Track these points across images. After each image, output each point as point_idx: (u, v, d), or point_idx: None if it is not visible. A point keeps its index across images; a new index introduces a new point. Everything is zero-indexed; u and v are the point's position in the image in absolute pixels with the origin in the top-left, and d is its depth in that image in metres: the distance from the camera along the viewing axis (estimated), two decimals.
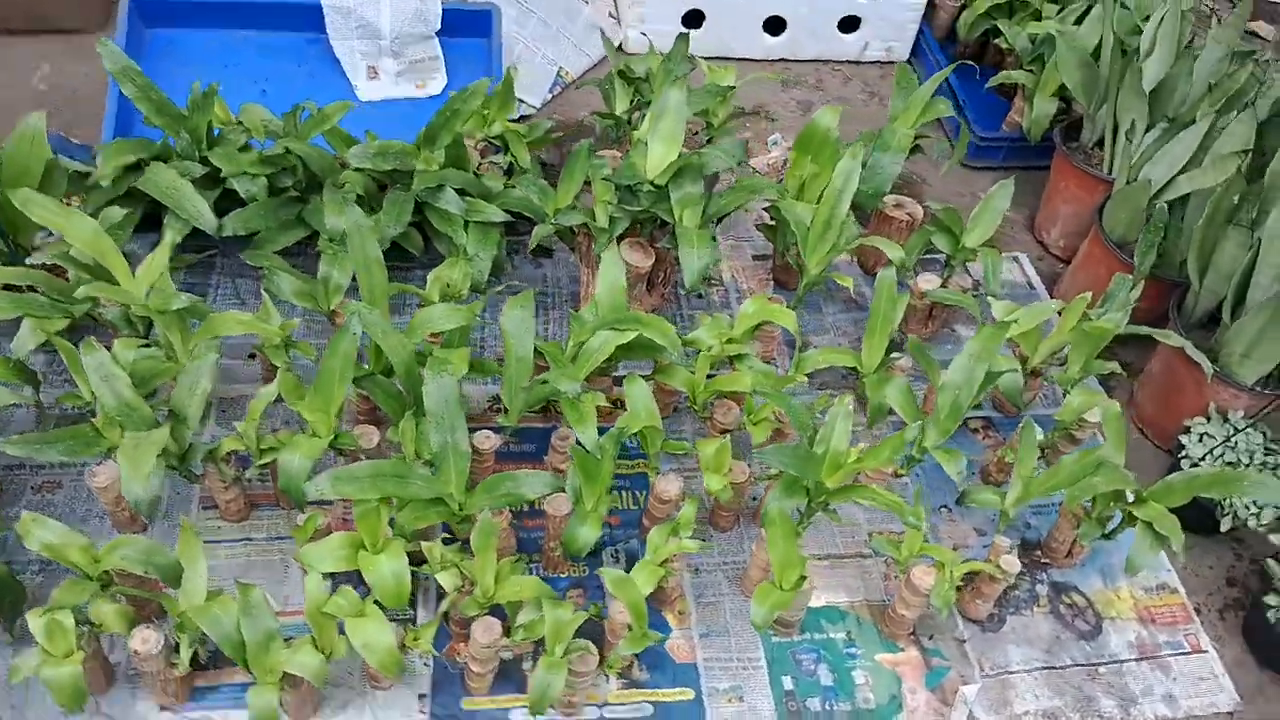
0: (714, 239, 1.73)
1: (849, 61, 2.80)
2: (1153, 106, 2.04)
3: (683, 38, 2.01)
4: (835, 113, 1.88)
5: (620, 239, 1.83)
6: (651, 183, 1.73)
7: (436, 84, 2.31)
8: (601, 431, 1.51)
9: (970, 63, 2.61)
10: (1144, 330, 1.72)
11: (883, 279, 1.69)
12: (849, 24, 2.74)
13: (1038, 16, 2.46)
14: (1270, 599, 1.59)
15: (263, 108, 1.94)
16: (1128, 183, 1.92)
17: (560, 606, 1.36)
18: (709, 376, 1.69)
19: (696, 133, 2.02)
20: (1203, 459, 1.71)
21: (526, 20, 2.56)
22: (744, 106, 2.60)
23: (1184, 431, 1.77)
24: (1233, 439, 1.72)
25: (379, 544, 1.39)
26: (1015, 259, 2.30)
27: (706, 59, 2.72)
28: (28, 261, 1.67)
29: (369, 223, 1.54)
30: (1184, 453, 1.74)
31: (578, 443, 1.49)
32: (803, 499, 1.48)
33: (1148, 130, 2.02)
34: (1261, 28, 3.30)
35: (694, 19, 2.68)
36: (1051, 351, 1.77)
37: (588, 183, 1.82)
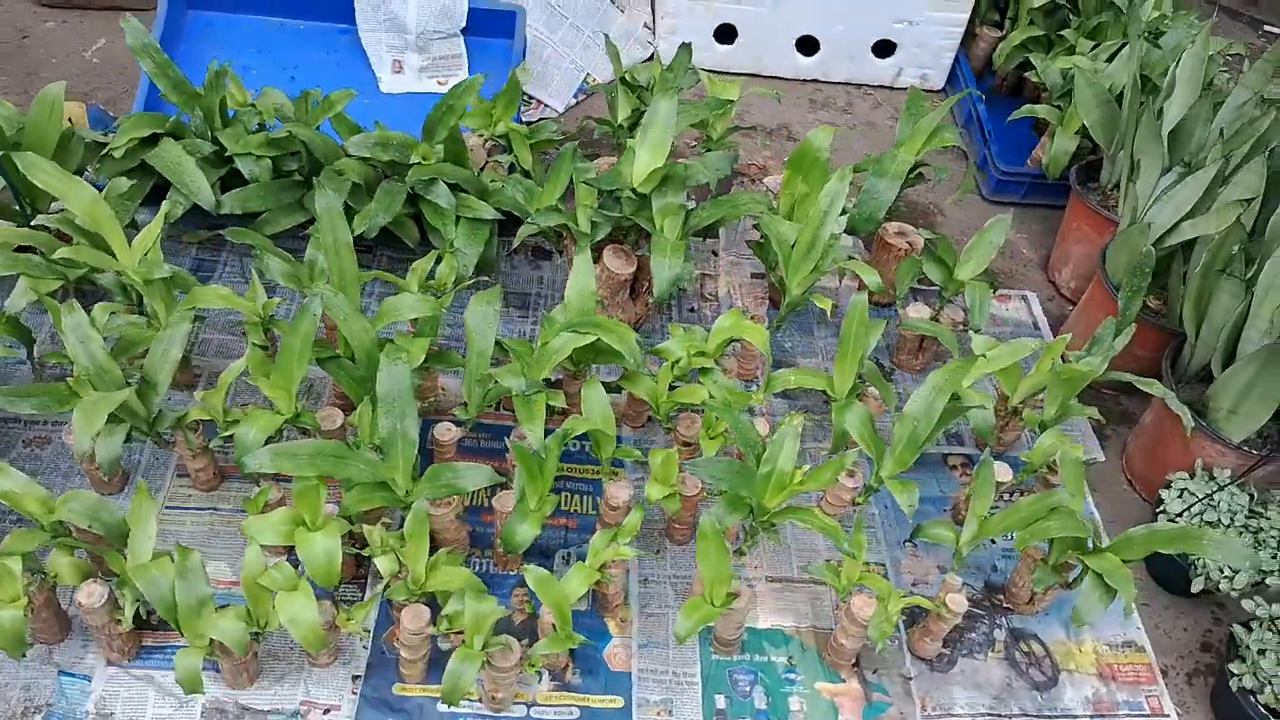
0: (689, 251, 1.72)
1: (881, 86, 2.77)
2: (1171, 150, 1.97)
3: (684, 48, 2.01)
4: (828, 133, 1.86)
5: (605, 245, 1.84)
6: (635, 190, 1.74)
7: (458, 81, 2.34)
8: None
9: (977, 93, 2.56)
10: (1126, 377, 1.67)
11: (854, 304, 1.67)
12: (884, 48, 2.71)
13: (1072, 51, 2.40)
14: (1235, 666, 1.53)
15: (280, 92, 2.00)
16: (1131, 224, 1.87)
17: (484, 600, 1.37)
18: (672, 387, 1.69)
19: (695, 145, 2.02)
20: (1180, 515, 1.65)
21: (558, 25, 2.59)
22: (753, 124, 2.59)
23: (1166, 486, 1.70)
24: (1215, 497, 1.65)
25: (318, 522, 1.41)
26: (1024, 298, 2.25)
27: (737, 75, 2.74)
28: (32, 224, 1.75)
29: (339, 207, 1.57)
30: (1162, 507, 1.68)
31: (523, 440, 1.50)
32: (743, 516, 1.47)
33: (1165, 174, 1.96)
34: None
35: (726, 34, 2.69)
36: (1032, 391, 1.72)
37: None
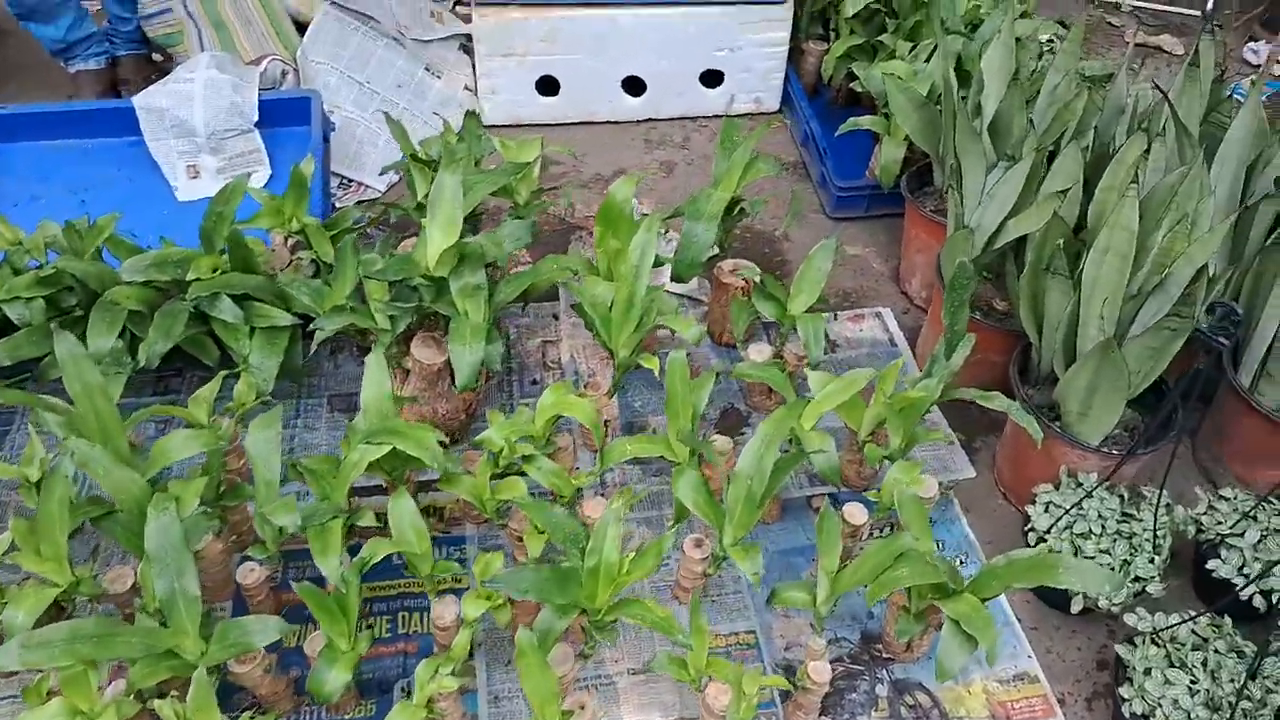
0: (495, 331, 1.60)
1: (717, 116, 2.70)
2: (996, 146, 1.90)
3: (471, 115, 1.90)
4: (631, 183, 1.76)
5: (414, 334, 1.72)
6: (429, 275, 1.61)
7: (260, 177, 2.22)
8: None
9: (792, 118, 2.49)
10: (969, 394, 1.57)
11: (671, 362, 1.56)
12: (712, 78, 2.64)
13: (893, 55, 2.34)
14: (1124, 690, 1.42)
15: (54, 224, 1.85)
16: (956, 229, 1.78)
17: None
18: (502, 476, 1.56)
19: (503, 215, 1.91)
20: (1049, 532, 1.55)
21: (368, 102, 2.48)
22: (593, 173, 2.49)
23: (1031, 501, 1.61)
24: (1083, 505, 1.56)
25: (95, 710, 1.25)
26: (878, 314, 2.16)
27: (566, 125, 2.65)
28: None
29: (81, 351, 1.42)
30: (1029, 526, 1.58)
31: (313, 579, 1.36)
32: (570, 619, 1.34)
33: (991, 170, 1.89)
34: (1166, 42, 3.17)
35: (550, 85, 2.59)
36: (878, 422, 1.62)
37: None
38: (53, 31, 2.49)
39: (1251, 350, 1.70)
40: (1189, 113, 1.68)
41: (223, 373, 1.66)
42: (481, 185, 1.76)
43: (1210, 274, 1.49)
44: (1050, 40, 2.81)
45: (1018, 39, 2.08)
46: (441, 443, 1.46)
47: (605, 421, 1.84)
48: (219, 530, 1.56)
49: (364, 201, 2.37)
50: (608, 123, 2.66)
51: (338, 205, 2.31)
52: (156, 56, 2.64)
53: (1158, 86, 1.61)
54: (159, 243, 1.81)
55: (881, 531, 1.74)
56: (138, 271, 1.71)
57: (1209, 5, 3.30)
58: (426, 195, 1.89)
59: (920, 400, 1.52)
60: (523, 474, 1.56)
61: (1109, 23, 3.23)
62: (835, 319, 2.13)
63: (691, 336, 1.66)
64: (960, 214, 1.81)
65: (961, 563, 1.72)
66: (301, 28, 2.50)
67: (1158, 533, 1.54)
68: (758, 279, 1.81)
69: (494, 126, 2.63)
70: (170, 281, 1.75)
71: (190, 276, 1.72)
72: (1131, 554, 1.52)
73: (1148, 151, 1.54)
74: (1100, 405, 1.52)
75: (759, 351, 1.83)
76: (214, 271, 1.76)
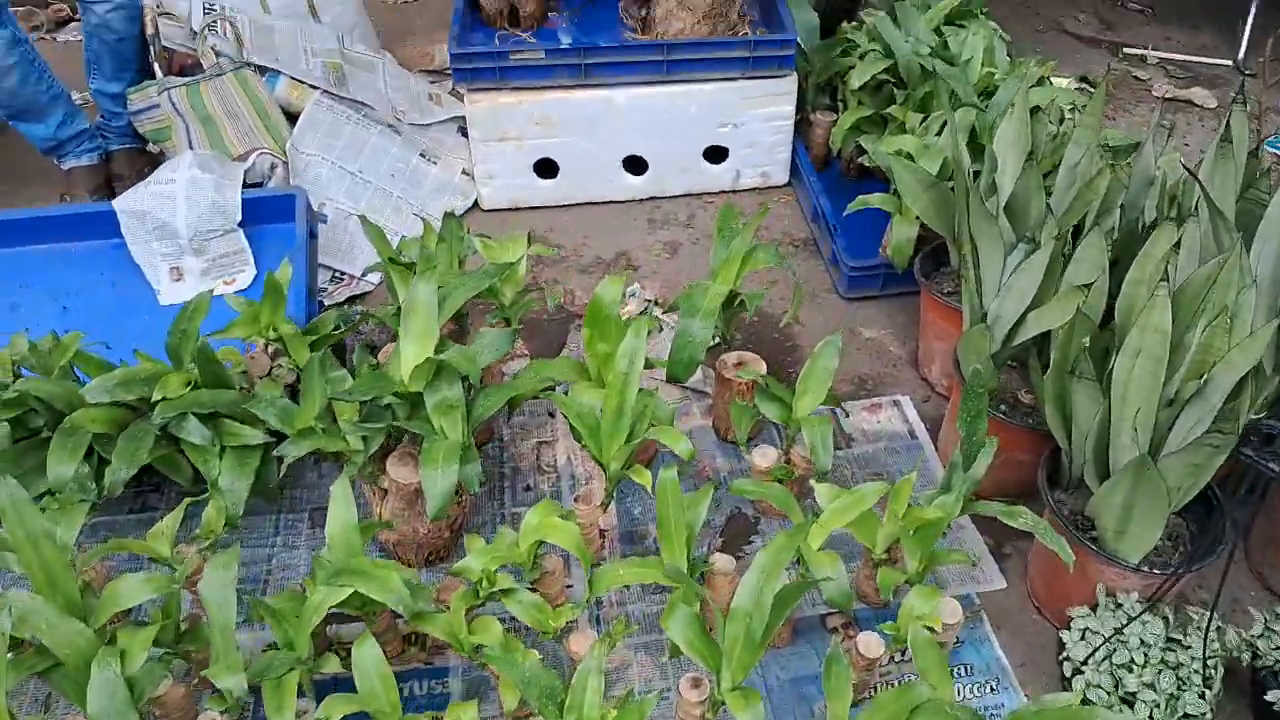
0: (471, 450, 1.49)
1: (723, 192, 2.59)
2: (1015, 226, 1.78)
3: (449, 218, 1.81)
4: (619, 282, 1.65)
5: (389, 452, 1.61)
6: (402, 392, 1.51)
7: (245, 277, 2.14)
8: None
9: (788, 198, 2.38)
10: (992, 509, 1.42)
11: (662, 483, 1.43)
12: (717, 154, 2.54)
13: (903, 128, 2.22)
14: None
15: (24, 339, 1.78)
16: (973, 322, 1.65)
17: None
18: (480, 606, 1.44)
19: (492, 316, 1.80)
20: (1085, 663, 1.39)
21: (361, 193, 2.41)
22: (594, 257, 2.39)
23: (1066, 625, 1.45)
24: (1124, 632, 1.40)
25: None
26: (896, 402, 2.02)
27: (567, 207, 2.56)
28: None
29: (23, 495, 1.32)
30: (1064, 655, 1.42)
31: None
32: None
33: (1011, 252, 1.76)
34: (1197, 95, 3.03)
35: (548, 168, 2.51)
36: (893, 540, 1.48)
37: None
38: (43, 130, 2.45)
39: None
40: (1223, 191, 1.54)
41: (187, 500, 1.56)
42: (461, 290, 1.66)
43: (1260, 373, 1.34)
44: (1072, 105, 2.69)
45: (1035, 109, 1.97)
46: (430, 558, 1.34)
47: (602, 531, 1.72)
48: (184, 670, 1.45)
49: (356, 296, 2.29)
50: (610, 202, 2.57)
51: (326, 303, 2.22)
52: (152, 148, 2.60)
53: (1187, 168, 1.48)
54: (133, 356, 1.74)
55: (903, 654, 1.59)
56: (104, 392, 1.62)
57: (1240, 55, 3.16)
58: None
59: (938, 521, 1.38)
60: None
61: (1135, 76, 3.10)
62: (849, 412, 2.00)
63: (683, 452, 1.53)
64: (976, 304, 1.68)
65: (992, 689, 1.56)
66: (293, 118, 2.44)
67: (1208, 662, 1.38)
68: (760, 379, 1.69)
69: (493, 211, 2.55)
70: (139, 399, 1.67)
71: (156, 396, 1.63)
72: (1179, 688, 1.36)
73: (1178, 245, 1.40)
74: (1139, 523, 1.37)
75: (763, 455, 1.70)
76: (186, 386, 1.67)
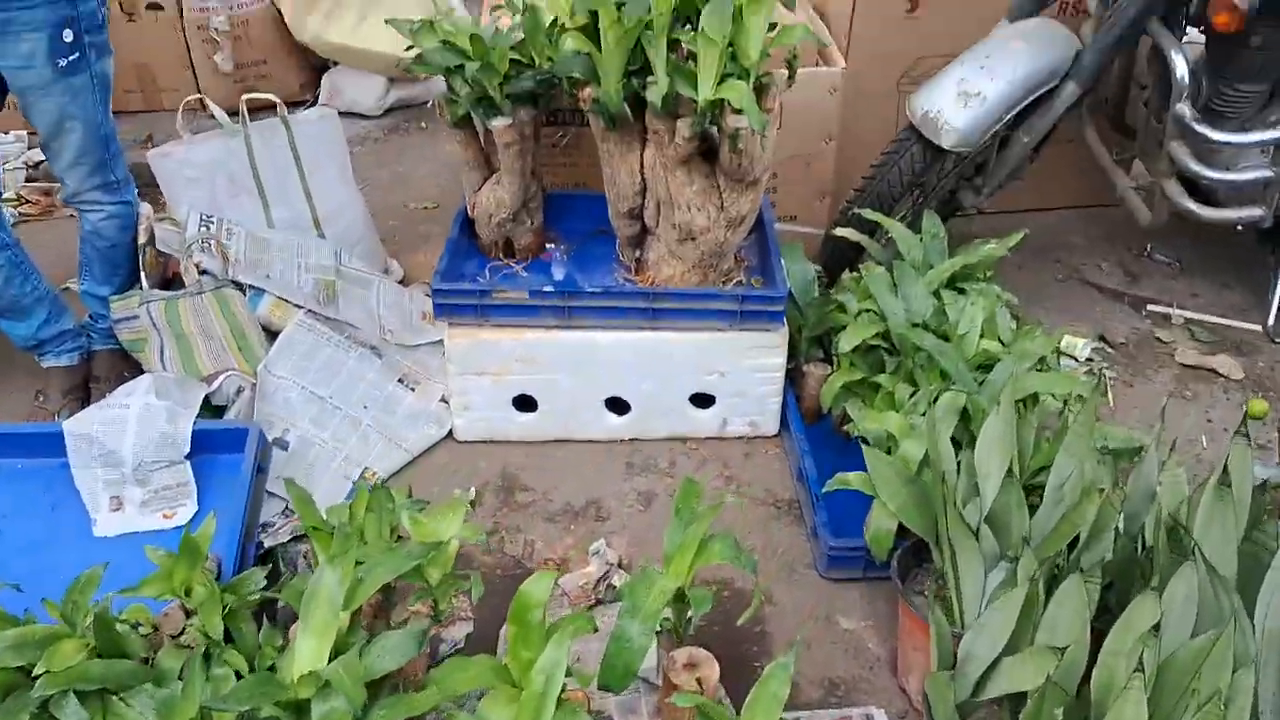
0: None
1: (709, 438, 2.47)
2: (999, 537, 1.62)
3: (380, 490, 1.70)
4: (548, 580, 1.50)
5: None
6: (286, 701, 1.35)
7: (186, 511, 2.04)
8: None
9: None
10: None
11: None
12: (704, 399, 2.43)
13: (892, 399, 2.10)
14: None
15: None
16: (941, 659, 1.47)
17: None
18: None
19: (416, 598, 1.66)
20: None
21: (328, 420, 2.32)
22: (563, 504, 2.25)
23: None
24: None
25: None
26: (869, 718, 1.81)
27: (544, 443, 2.45)
28: None
29: None
30: None
31: None
32: None
33: (992, 569, 1.59)
34: (1222, 364, 2.88)
35: (527, 402, 2.41)
36: None
37: None
38: (24, 330, 2.44)
39: None
40: (1222, 543, 1.37)
41: None
42: (380, 570, 1.53)
43: None
44: (1090, 358, 2.57)
45: (1022, 401, 1.85)
46: None
47: None
48: None
49: (302, 535, 2.16)
50: (590, 441, 2.45)
51: (267, 543, 2.09)
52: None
53: (1180, 524, 1.32)
54: (49, 599, 1.62)
55: None
56: None
57: (1270, 320, 3.02)
58: None
59: None
60: None
61: (1158, 338, 2.96)
62: None
63: None
64: (946, 632, 1.50)
65: None
66: (274, 335, 2.40)
67: None
68: (699, 706, 1.50)
69: (468, 443, 2.44)
70: (31, 663, 1.53)
71: (40, 669, 1.49)
72: None
73: (1157, 626, 1.23)
74: None
75: None
76: (81, 653, 1.54)
